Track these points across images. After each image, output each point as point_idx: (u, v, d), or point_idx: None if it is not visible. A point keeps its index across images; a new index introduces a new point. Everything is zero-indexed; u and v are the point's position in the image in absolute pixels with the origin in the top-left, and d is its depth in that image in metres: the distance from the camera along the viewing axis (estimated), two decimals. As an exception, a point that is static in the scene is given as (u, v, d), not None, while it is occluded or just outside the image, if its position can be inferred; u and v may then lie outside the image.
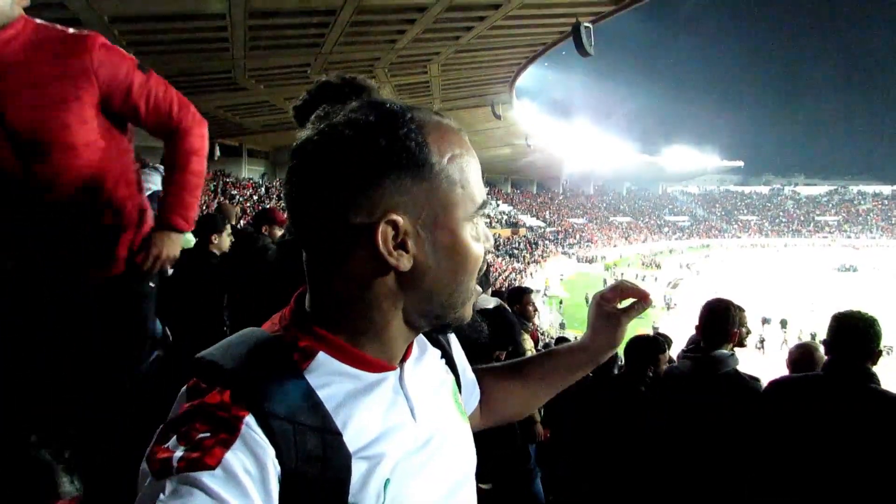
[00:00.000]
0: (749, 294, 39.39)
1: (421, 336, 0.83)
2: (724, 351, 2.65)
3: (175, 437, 0.58)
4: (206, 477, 0.54)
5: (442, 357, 0.90)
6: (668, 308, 38.04)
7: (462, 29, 16.99)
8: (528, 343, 4.52)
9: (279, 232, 4.40)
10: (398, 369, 0.75)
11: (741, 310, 2.85)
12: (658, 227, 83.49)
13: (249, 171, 36.93)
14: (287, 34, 15.73)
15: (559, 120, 56.34)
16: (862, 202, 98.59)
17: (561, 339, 7.87)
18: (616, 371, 5.50)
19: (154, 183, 3.50)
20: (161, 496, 0.53)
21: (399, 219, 0.65)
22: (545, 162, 58.35)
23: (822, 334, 2.49)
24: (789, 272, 55.03)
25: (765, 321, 32.53)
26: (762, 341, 28.92)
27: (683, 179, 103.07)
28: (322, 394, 0.65)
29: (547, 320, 29.83)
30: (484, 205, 0.72)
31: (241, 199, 28.84)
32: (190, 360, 0.66)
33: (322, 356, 0.69)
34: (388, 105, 0.68)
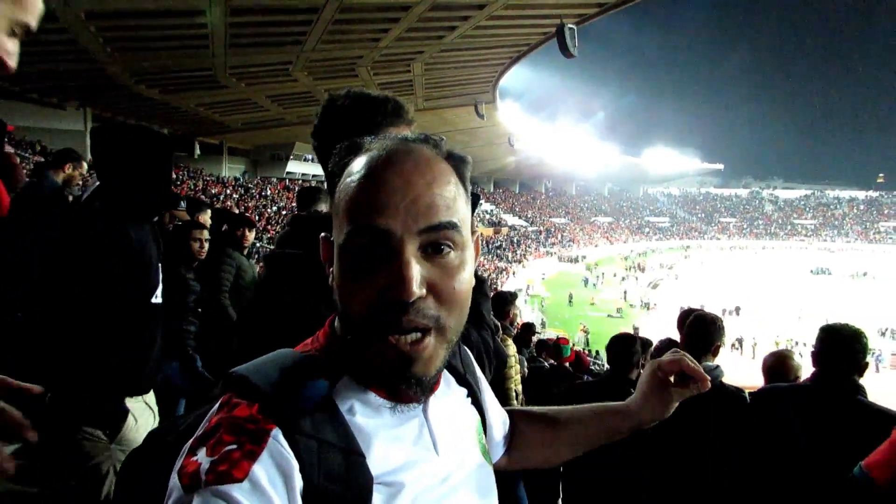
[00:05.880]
0: (727, 296, 40.01)
1: (448, 374, 0.84)
2: (709, 363, 2.65)
3: (203, 449, 0.58)
4: (234, 490, 0.55)
5: (468, 396, 0.88)
6: (648, 308, 38.43)
7: (446, 28, 16.98)
8: (512, 349, 4.48)
9: (252, 236, 4.34)
10: (422, 401, 0.74)
11: (719, 319, 2.86)
12: (639, 227, 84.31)
13: (230, 170, 36.57)
14: (268, 32, 15.59)
15: (543, 120, 56.75)
16: (838, 206, 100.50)
17: (541, 343, 7.83)
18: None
19: None
20: None
21: (326, 234, 0.72)
22: (528, 162, 58.69)
23: (808, 341, 2.50)
24: (766, 274, 55.95)
25: (724, 312, 33.20)
26: (739, 341, 29.33)
27: (664, 181, 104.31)
28: (348, 416, 0.66)
29: (529, 319, 29.85)
30: (357, 231, 0.64)
31: (221, 198, 28.46)
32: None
33: (348, 380, 0.70)
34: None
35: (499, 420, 1.01)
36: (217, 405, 0.65)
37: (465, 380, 0.88)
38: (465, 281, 0.67)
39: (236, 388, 0.65)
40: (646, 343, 4.70)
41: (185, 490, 0.56)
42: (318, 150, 1.34)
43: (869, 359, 2.43)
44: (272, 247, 1.44)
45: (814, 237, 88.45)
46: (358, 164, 0.67)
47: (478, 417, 0.87)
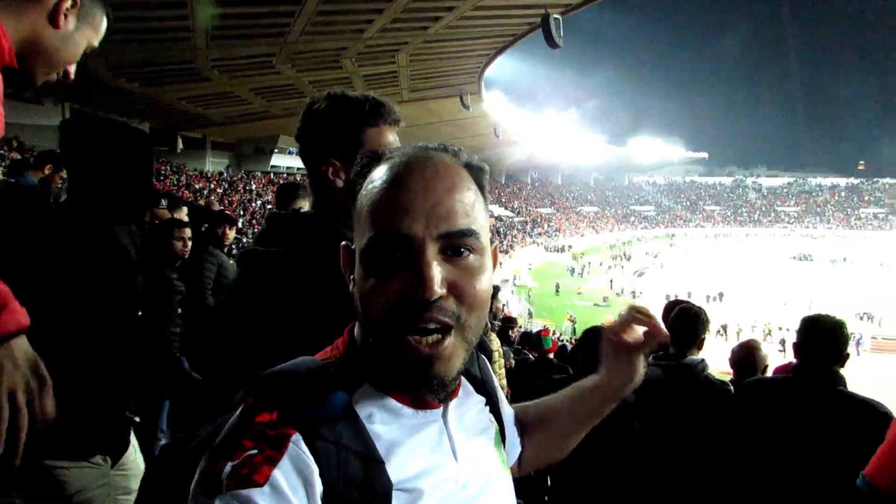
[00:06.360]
0: (712, 283, 40.41)
1: (466, 382, 0.84)
2: (695, 357, 2.67)
3: (225, 454, 0.59)
4: (255, 494, 0.56)
5: (487, 405, 0.87)
6: (634, 297, 38.71)
7: (431, 19, 16.84)
8: (496, 343, 4.51)
9: (233, 234, 4.30)
10: (441, 408, 0.74)
11: (704, 312, 2.88)
12: (625, 216, 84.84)
13: (213, 164, 36.15)
14: (251, 23, 15.36)
15: (528, 111, 56.69)
16: (820, 194, 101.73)
17: (525, 336, 7.86)
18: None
19: None
20: None
21: (347, 243, 0.73)
22: (513, 152, 58.62)
23: (792, 326, 2.53)
24: (750, 261, 56.65)
25: (707, 299, 34.17)
26: (724, 327, 29.69)
27: (649, 170, 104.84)
28: (367, 423, 0.67)
29: (516, 310, 30.00)
30: (379, 236, 0.65)
31: (205, 193, 28.14)
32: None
33: (367, 387, 0.70)
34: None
35: (514, 428, 1.02)
36: (237, 412, 0.66)
37: (483, 388, 0.89)
38: (484, 282, 0.68)
39: (256, 394, 0.66)
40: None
41: (206, 495, 0.57)
42: (302, 155, 1.33)
43: (850, 345, 2.46)
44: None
45: (796, 224, 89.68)
46: (379, 172, 0.69)
47: (496, 426, 0.87)
